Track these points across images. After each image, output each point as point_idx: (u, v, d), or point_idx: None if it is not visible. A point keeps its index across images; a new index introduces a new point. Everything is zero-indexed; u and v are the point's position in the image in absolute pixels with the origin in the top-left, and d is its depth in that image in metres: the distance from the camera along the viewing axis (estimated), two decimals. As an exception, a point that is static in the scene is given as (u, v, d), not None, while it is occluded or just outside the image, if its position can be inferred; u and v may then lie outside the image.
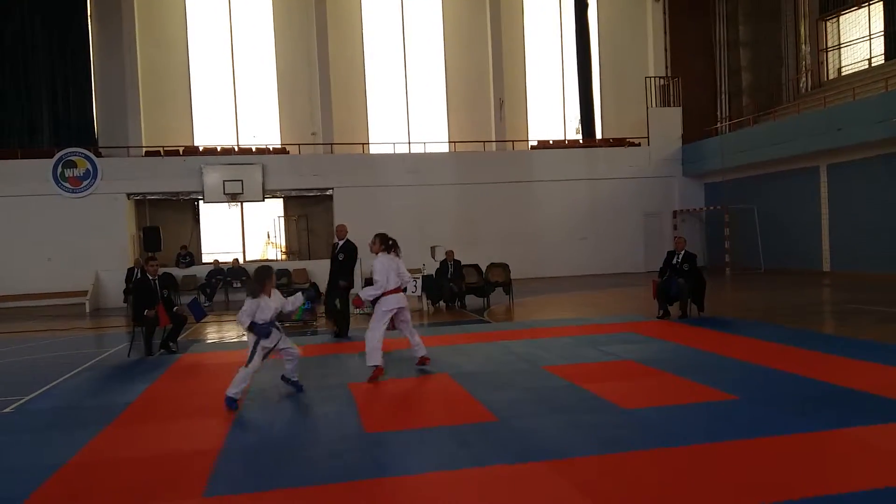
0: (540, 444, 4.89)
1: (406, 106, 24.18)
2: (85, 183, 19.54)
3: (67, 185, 19.42)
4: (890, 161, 16.28)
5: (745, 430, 4.97)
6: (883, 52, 21.08)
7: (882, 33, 21.10)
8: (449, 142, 23.68)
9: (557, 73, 25.10)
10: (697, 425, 5.18)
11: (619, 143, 23.75)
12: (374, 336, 7.29)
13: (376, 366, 7.25)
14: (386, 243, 7.53)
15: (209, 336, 11.90)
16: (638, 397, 6.10)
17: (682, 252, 11.30)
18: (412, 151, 22.95)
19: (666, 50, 24.52)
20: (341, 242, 10.53)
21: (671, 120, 23.49)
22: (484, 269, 15.04)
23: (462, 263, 14.63)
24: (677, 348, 8.57)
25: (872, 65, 21.29)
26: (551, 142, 23.92)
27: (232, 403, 6.23)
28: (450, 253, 14.58)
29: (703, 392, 6.18)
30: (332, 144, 22.04)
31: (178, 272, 18.06)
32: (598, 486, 4.03)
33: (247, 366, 6.29)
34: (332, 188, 21.23)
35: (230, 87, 23.19)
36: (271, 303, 6.42)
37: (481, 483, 4.19)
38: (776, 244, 20.00)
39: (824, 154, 17.90)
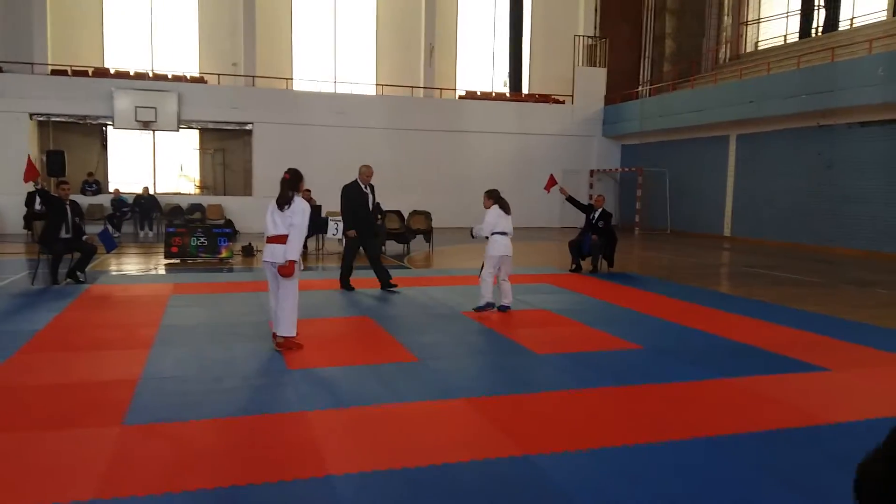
0: (458, 383, 5.10)
1: (334, 43, 23.49)
2: (-18, 99, 18.12)
3: (-39, 99, 17.94)
4: (796, 135, 17.24)
5: (648, 376, 5.35)
6: (798, 30, 22.02)
7: (798, 12, 22.01)
8: (376, 84, 23.27)
9: (489, 23, 24.93)
10: (605, 370, 5.52)
11: (545, 99, 24.01)
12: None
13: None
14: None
15: (116, 268, 11.51)
16: (551, 343, 6.40)
17: (600, 210, 11.75)
18: (338, 91, 22.44)
19: (596, 10, 24.74)
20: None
21: (596, 80, 23.91)
22: (406, 216, 15.09)
23: (383, 208, 14.60)
24: (588, 300, 8.99)
25: (787, 41, 22.23)
26: (479, 93, 23.91)
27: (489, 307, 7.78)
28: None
29: (610, 341, 6.56)
30: (253, 77, 21.23)
31: (84, 200, 17.21)
32: (513, 422, 4.27)
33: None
34: (252, 123, 20.57)
35: (147, 7, 21.82)
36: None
37: (401, 417, 4.35)
38: (684, 207, 20.95)
39: (736, 124, 18.75)
